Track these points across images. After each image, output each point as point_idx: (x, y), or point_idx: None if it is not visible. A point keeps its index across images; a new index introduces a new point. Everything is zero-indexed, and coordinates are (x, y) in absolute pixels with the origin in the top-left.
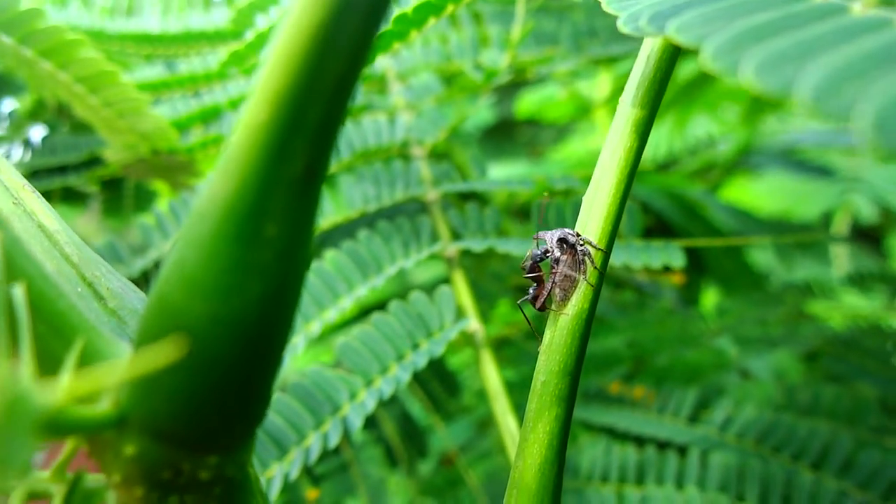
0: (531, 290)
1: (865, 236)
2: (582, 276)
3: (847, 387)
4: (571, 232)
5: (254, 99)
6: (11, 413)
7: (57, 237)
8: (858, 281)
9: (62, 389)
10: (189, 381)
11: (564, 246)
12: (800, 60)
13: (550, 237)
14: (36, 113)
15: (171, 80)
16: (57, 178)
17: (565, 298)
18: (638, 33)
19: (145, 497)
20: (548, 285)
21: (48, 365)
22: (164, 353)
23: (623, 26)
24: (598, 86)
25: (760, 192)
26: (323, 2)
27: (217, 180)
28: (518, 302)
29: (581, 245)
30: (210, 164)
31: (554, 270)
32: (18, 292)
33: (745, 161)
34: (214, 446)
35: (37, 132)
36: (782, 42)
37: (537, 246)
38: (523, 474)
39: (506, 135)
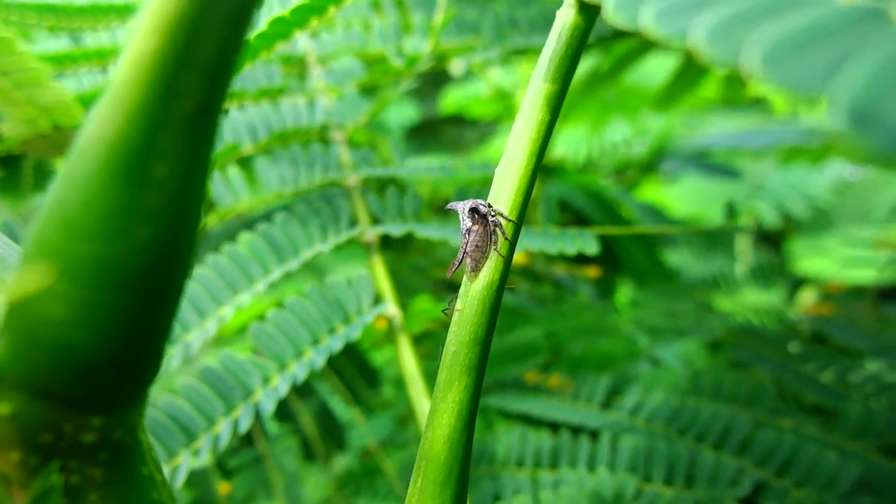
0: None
1: (768, 240)
2: (493, 247)
3: (747, 372)
4: (483, 203)
5: (142, 26)
6: None
7: None
8: (760, 274)
9: None
10: (70, 332)
11: (476, 216)
12: (694, 10)
13: (462, 207)
14: None
15: (76, 54)
16: None
17: (476, 268)
18: None
19: (23, 462)
20: (459, 255)
21: None
22: (33, 279)
23: None
24: (521, 84)
25: (673, 195)
26: None
27: (102, 115)
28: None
29: (493, 216)
30: None
31: (465, 240)
32: None
33: (658, 163)
34: (99, 406)
35: None
36: None
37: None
38: (433, 444)
39: (430, 133)
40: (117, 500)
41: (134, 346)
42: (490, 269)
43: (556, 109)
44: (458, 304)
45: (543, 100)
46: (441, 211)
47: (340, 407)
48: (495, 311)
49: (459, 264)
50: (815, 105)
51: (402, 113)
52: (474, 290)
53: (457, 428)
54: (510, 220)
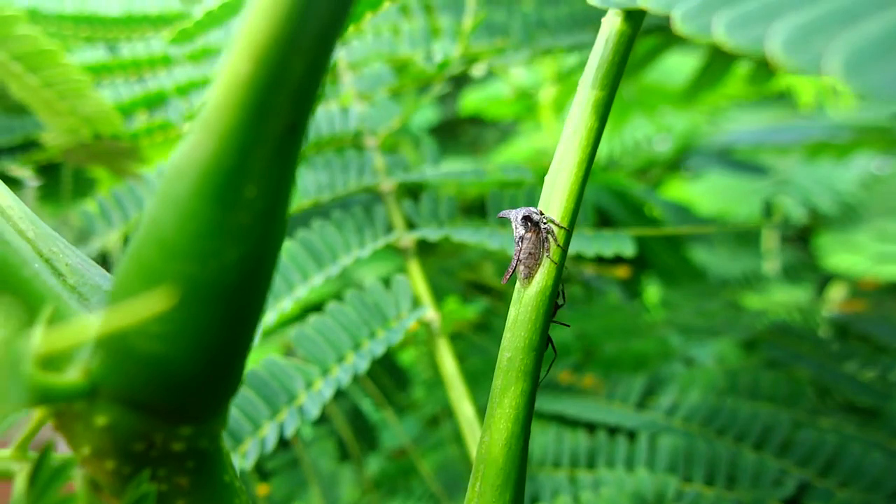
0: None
1: (795, 236)
2: (545, 254)
3: (784, 371)
4: (535, 210)
5: (234, 51)
6: (9, 363)
7: (10, 212)
8: (790, 271)
9: (41, 344)
10: (164, 346)
11: (528, 224)
12: (768, 19)
13: (515, 215)
14: None
15: (113, 64)
16: None
17: (529, 275)
18: (607, 5)
19: (117, 470)
20: (513, 263)
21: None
22: (141, 308)
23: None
24: (544, 84)
25: (698, 192)
26: None
27: (196, 138)
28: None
29: (545, 223)
30: (155, 150)
31: (518, 248)
32: None
33: (682, 161)
34: (188, 416)
35: None
36: (749, 4)
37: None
38: (490, 448)
39: (450, 134)
40: None
41: (221, 359)
42: (543, 276)
43: (604, 116)
44: (512, 309)
45: (592, 107)
46: (467, 213)
47: (368, 404)
48: (549, 317)
49: (513, 271)
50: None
51: (421, 114)
52: (528, 296)
53: (514, 432)
54: (562, 227)
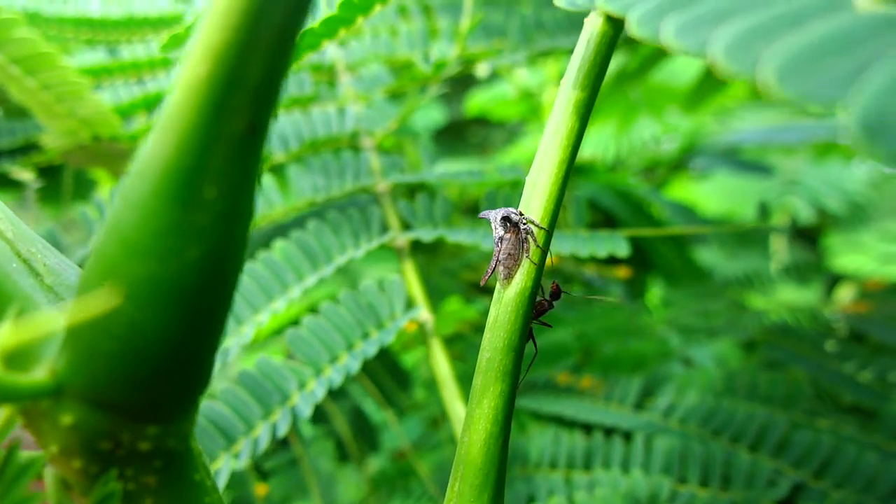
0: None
1: (803, 236)
2: (525, 255)
3: (782, 372)
4: (514, 211)
5: (192, 53)
6: None
7: None
8: (796, 273)
9: (4, 339)
10: (127, 345)
11: (508, 224)
12: (714, 23)
13: (494, 216)
14: None
15: (113, 66)
16: None
17: (509, 276)
18: (573, 7)
19: (84, 469)
20: (492, 263)
21: None
22: (99, 302)
23: (558, 1)
24: (548, 85)
25: (704, 192)
26: None
27: (156, 139)
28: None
29: (524, 224)
30: None
31: (498, 249)
32: None
33: (688, 161)
34: (154, 416)
35: None
36: (699, 9)
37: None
38: (469, 449)
39: (457, 135)
40: None
41: (184, 358)
42: (522, 277)
43: (585, 117)
44: (492, 309)
45: (573, 107)
46: (469, 214)
47: (373, 409)
48: (528, 318)
49: (492, 272)
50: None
51: (427, 115)
52: (507, 297)
53: (493, 433)
54: (541, 228)
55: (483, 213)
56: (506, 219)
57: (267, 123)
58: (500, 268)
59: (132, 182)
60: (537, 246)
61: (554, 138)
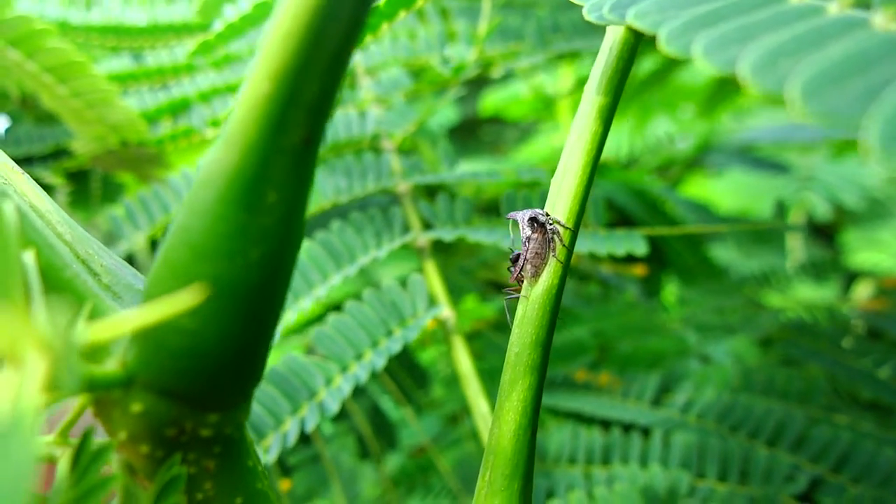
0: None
1: (820, 232)
2: (551, 254)
3: (799, 368)
4: (541, 212)
5: (255, 73)
6: (65, 354)
7: (49, 217)
8: (813, 270)
9: (88, 337)
10: (194, 340)
11: (535, 225)
12: (742, 42)
13: (522, 217)
14: None
15: (138, 73)
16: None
17: (536, 274)
18: (601, 21)
19: (150, 454)
20: (520, 263)
21: None
22: (175, 304)
23: (587, 14)
24: (561, 83)
25: (719, 190)
26: None
27: (221, 149)
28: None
29: (550, 224)
30: (179, 155)
31: (525, 248)
32: (30, 259)
33: (703, 159)
34: (215, 404)
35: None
36: (727, 26)
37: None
38: (499, 440)
39: (470, 133)
40: (228, 488)
41: (245, 351)
42: (549, 275)
43: (608, 121)
44: (520, 307)
45: (596, 112)
46: (486, 213)
47: (390, 406)
48: (555, 314)
49: (520, 270)
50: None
51: (441, 114)
52: (535, 294)
53: (522, 424)
54: (567, 228)
55: (510, 214)
56: (533, 219)
57: (321, 135)
58: (528, 266)
59: (199, 190)
60: (563, 245)
61: (578, 142)
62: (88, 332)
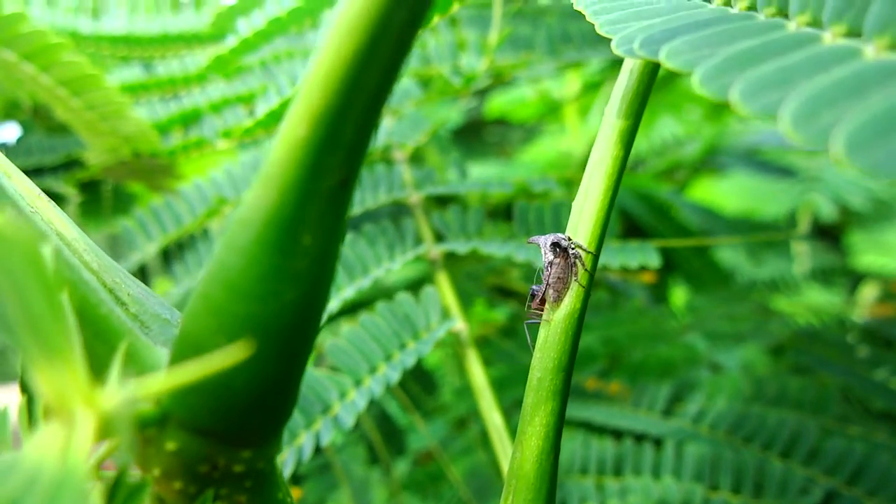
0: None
1: (825, 234)
2: (573, 278)
3: (812, 378)
4: (563, 237)
5: (293, 116)
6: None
7: (76, 245)
8: (821, 276)
9: (140, 390)
10: (228, 379)
11: (557, 250)
12: (780, 87)
13: (544, 241)
14: (8, 113)
15: (149, 83)
16: (33, 181)
17: (558, 299)
18: (631, 56)
19: (183, 490)
20: (542, 287)
21: (95, 368)
22: (225, 358)
23: (616, 48)
24: (567, 86)
25: (725, 192)
26: (360, 30)
27: (258, 191)
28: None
29: (572, 249)
30: (191, 166)
31: (547, 273)
32: (65, 298)
33: (710, 161)
34: (248, 442)
35: (9, 131)
36: (763, 69)
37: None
38: (522, 464)
39: (475, 135)
40: None
41: (278, 390)
42: (571, 299)
43: (629, 145)
44: (542, 331)
45: (617, 136)
46: (492, 218)
47: (395, 408)
48: (577, 339)
49: (543, 295)
50: None
51: (447, 119)
52: (557, 319)
53: (544, 449)
54: (589, 252)
55: (532, 239)
56: (555, 244)
57: (357, 177)
58: (550, 291)
59: (236, 230)
60: (585, 270)
61: (600, 166)
62: (137, 389)
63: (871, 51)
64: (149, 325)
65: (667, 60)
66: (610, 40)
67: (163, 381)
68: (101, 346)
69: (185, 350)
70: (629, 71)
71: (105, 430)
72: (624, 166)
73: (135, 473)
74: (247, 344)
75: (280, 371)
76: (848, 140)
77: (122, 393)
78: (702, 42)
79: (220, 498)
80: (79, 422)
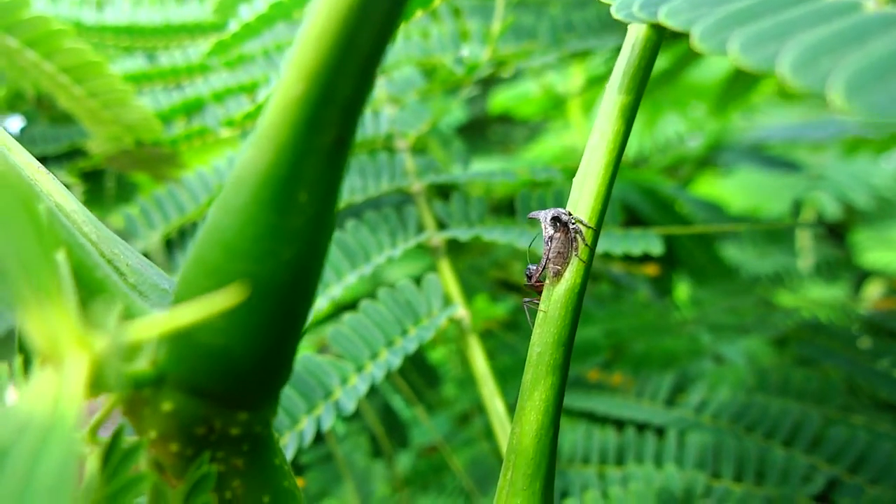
0: (533, 269)
1: (830, 231)
2: (574, 253)
3: (815, 369)
4: (564, 211)
5: (288, 74)
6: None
7: (75, 216)
8: (825, 269)
9: (131, 333)
10: (225, 339)
11: (557, 224)
12: (779, 39)
13: (544, 216)
14: (12, 104)
15: (152, 73)
16: None
17: (559, 274)
18: (630, 20)
19: (180, 452)
20: (542, 262)
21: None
22: (211, 304)
23: (616, 13)
24: (572, 82)
25: (730, 189)
26: None
27: (253, 150)
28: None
29: (573, 223)
30: (194, 155)
31: (547, 247)
32: (62, 258)
33: (714, 157)
34: (245, 403)
35: (13, 123)
36: (763, 23)
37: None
38: (521, 439)
39: (478, 132)
40: (256, 486)
41: (275, 351)
42: (572, 274)
43: (630, 120)
44: (542, 306)
45: (619, 111)
46: (495, 212)
47: (398, 401)
48: (577, 313)
49: (543, 270)
50: None
51: (450, 113)
52: (557, 294)
53: (543, 424)
54: (590, 227)
55: (533, 214)
56: (556, 219)
57: (353, 135)
58: (550, 266)
59: (232, 190)
60: (586, 244)
61: (601, 141)
62: (129, 332)
63: (872, 4)
64: (147, 295)
65: (666, 20)
66: (613, 27)
67: (154, 324)
68: (98, 308)
69: None
70: (631, 46)
71: (98, 379)
72: (625, 141)
73: (130, 439)
74: (237, 291)
75: (277, 331)
76: (847, 83)
77: (113, 334)
78: (700, 1)
79: (217, 461)
80: (69, 365)
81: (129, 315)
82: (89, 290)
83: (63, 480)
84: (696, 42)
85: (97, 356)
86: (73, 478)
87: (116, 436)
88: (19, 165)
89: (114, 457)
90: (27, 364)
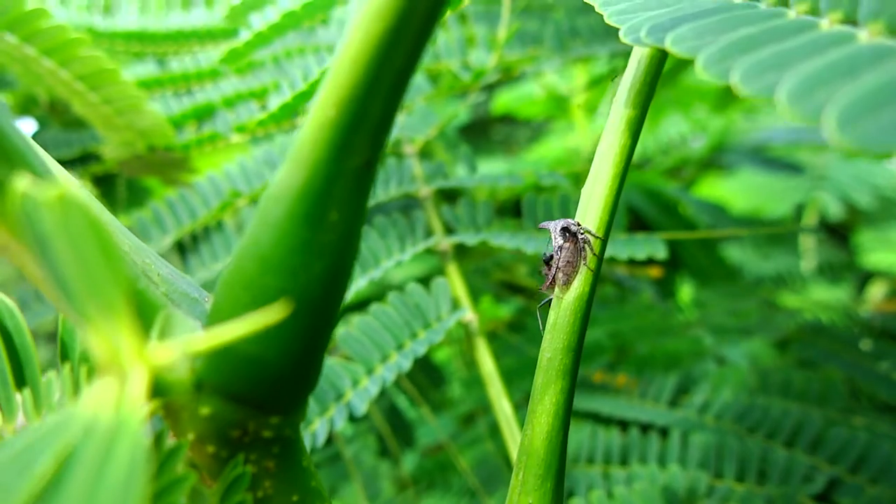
0: (545, 274)
1: (833, 232)
2: (583, 262)
3: (817, 371)
4: (573, 222)
5: (322, 99)
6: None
7: (111, 228)
8: (828, 271)
9: (186, 348)
10: (260, 348)
11: (567, 234)
12: (778, 69)
13: (554, 226)
14: (25, 108)
15: (163, 78)
16: None
17: (568, 282)
18: (639, 44)
19: (216, 454)
20: (552, 271)
21: None
22: (258, 320)
23: (624, 37)
24: (575, 83)
25: (732, 190)
26: (386, 15)
27: (289, 169)
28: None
29: (582, 234)
30: (204, 159)
31: (557, 257)
32: (126, 278)
33: (717, 159)
34: (277, 408)
35: (26, 126)
36: (763, 53)
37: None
38: (532, 441)
39: (481, 133)
40: (285, 486)
41: (306, 359)
42: (580, 283)
43: (636, 133)
44: (552, 313)
45: (625, 125)
46: (499, 214)
47: (404, 402)
48: (586, 321)
49: (553, 278)
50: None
51: (456, 117)
52: (566, 301)
53: (554, 426)
54: (598, 237)
55: (543, 224)
56: (565, 229)
57: (381, 157)
58: (560, 275)
59: (268, 206)
60: (594, 254)
61: (608, 154)
62: (183, 347)
63: (865, 35)
64: (179, 304)
65: (672, 46)
66: (617, 33)
67: (205, 339)
68: (139, 319)
69: (218, 322)
70: (637, 62)
71: (152, 388)
72: (632, 154)
73: (171, 441)
74: (281, 308)
75: (308, 340)
76: (840, 115)
77: (172, 349)
78: (705, 29)
79: (250, 462)
80: (132, 376)
81: (167, 325)
82: (132, 301)
83: (133, 479)
84: (700, 69)
85: (154, 367)
86: (143, 477)
87: (159, 437)
88: (77, 185)
89: (157, 457)
90: (72, 371)
